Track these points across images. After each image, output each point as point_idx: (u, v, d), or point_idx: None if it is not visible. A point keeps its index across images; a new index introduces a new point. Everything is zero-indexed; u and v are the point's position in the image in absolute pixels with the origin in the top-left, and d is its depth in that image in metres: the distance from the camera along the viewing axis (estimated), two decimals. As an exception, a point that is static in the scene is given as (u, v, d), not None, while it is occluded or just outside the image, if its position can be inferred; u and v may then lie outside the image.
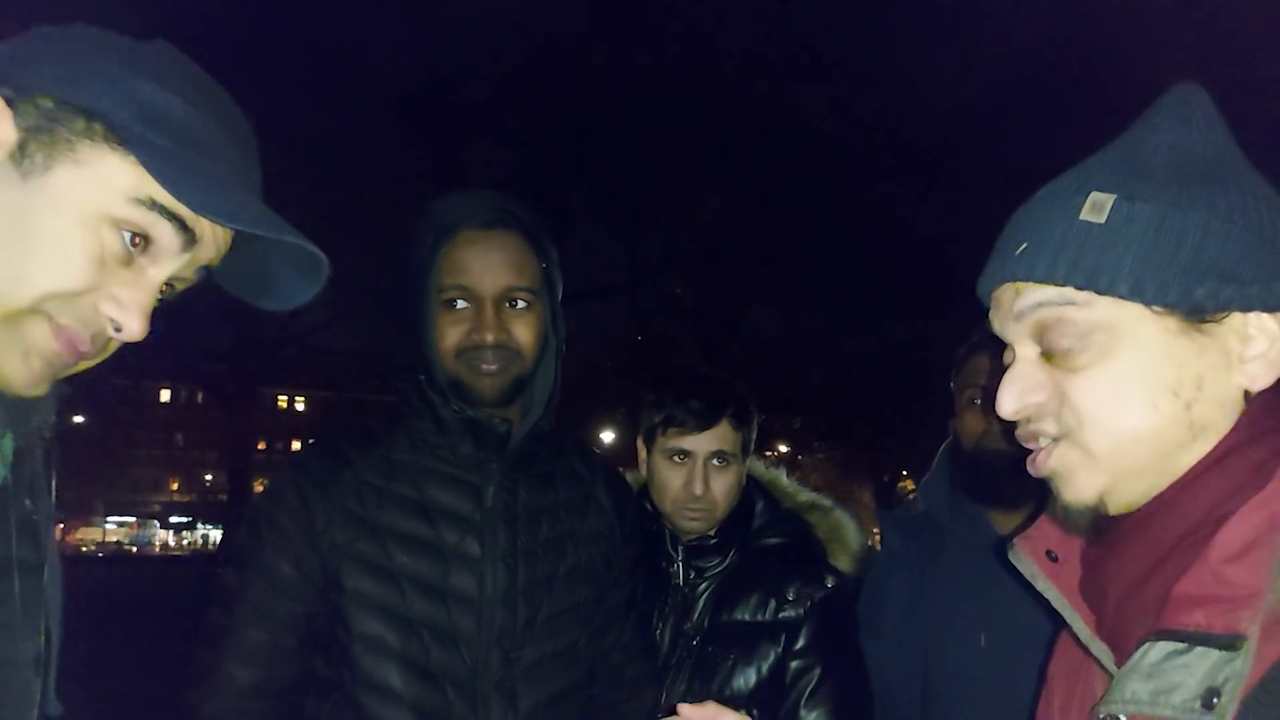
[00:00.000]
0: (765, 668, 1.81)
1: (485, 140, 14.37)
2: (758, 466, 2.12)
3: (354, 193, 13.87)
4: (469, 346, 1.55)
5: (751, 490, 2.00)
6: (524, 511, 1.61)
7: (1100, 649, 0.91)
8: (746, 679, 1.81)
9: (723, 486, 1.88)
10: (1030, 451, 0.94)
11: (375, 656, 1.51)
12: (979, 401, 1.96)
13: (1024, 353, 0.92)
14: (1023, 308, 0.90)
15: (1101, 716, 0.81)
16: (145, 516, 57.50)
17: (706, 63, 13.60)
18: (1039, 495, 1.92)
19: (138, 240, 0.88)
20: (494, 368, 1.55)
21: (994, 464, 1.91)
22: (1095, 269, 0.85)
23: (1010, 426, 1.88)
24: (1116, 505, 0.89)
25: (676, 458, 1.88)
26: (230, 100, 0.97)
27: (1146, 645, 0.80)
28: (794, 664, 1.81)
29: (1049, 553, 0.97)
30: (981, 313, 2.10)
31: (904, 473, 21.04)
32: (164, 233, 0.89)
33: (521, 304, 1.57)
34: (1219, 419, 0.86)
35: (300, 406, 54.46)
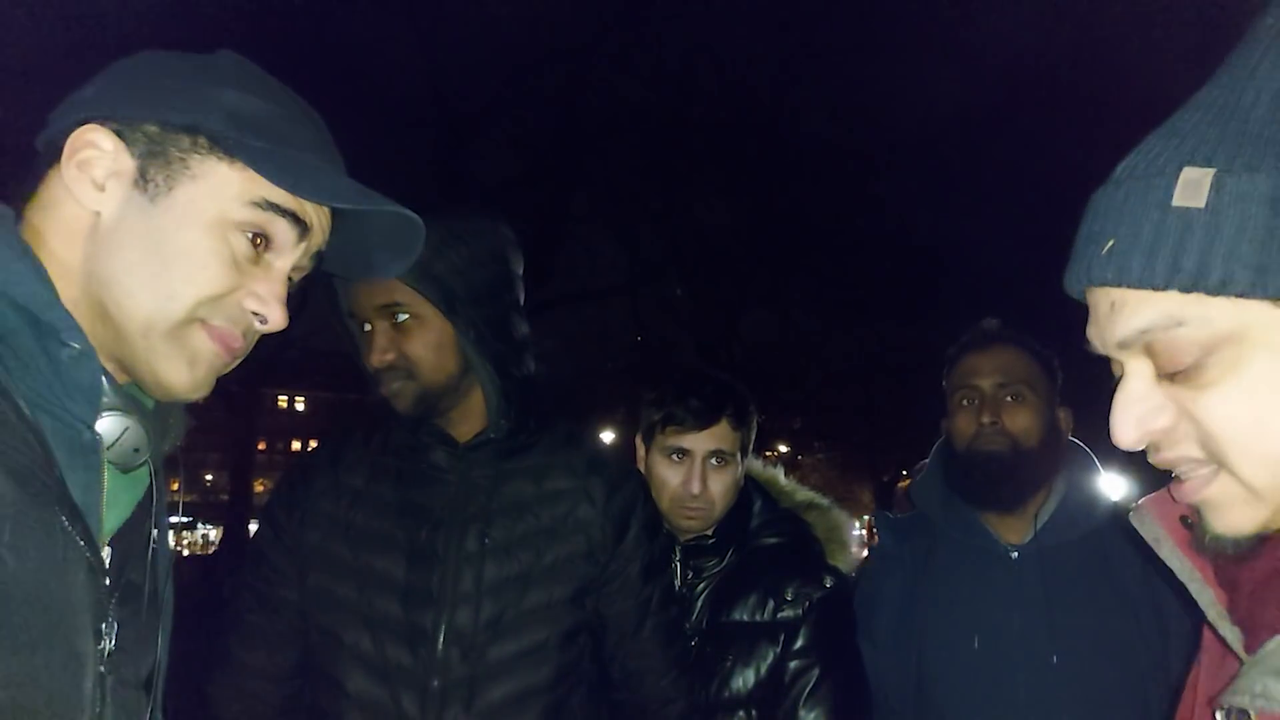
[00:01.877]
0: (764, 668, 1.82)
1: (487, 144, 14.38)
2: (755, 466, 2.13)
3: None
4: (374, 369, 1.54)
5: (749, 490, 2.01)
6: (499, 509, 1.59)
7: (1230, 631, 0.80)
8: (745, 679, 1.81)
9: (720, 486, 1.89)
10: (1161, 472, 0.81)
11: (330, 651, 1.55)
12: (971, 402, 1.95)
13: (1135, 368, 0.78)
14: (1125, 337, 0.76)
15: (1226, 707, 0.72)
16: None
17: (707, 67, 13.62)
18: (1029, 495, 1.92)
19: (259, 240, 0.95)
20: (393, 387, 1.53)
21: (987, 465, 1.90)
22: (1202, 267, 0.70)
23: (996, 426, 1.88)
24: (1277, 526, 0.76)
25: (675, 456, 1.89)
26: (294, 93, 1.04)
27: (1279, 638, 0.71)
28: (792, 664, 1.81)
29: (1184, 519, 0.83)
30: (975, 313, 2.09)
31: (904, 473, 20.99)
32: (280, 228, 0.96)
33: (402, 317, 1.52)
34: None
35: (300, 407, 54.44)
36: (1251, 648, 0.75)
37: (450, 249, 1.52)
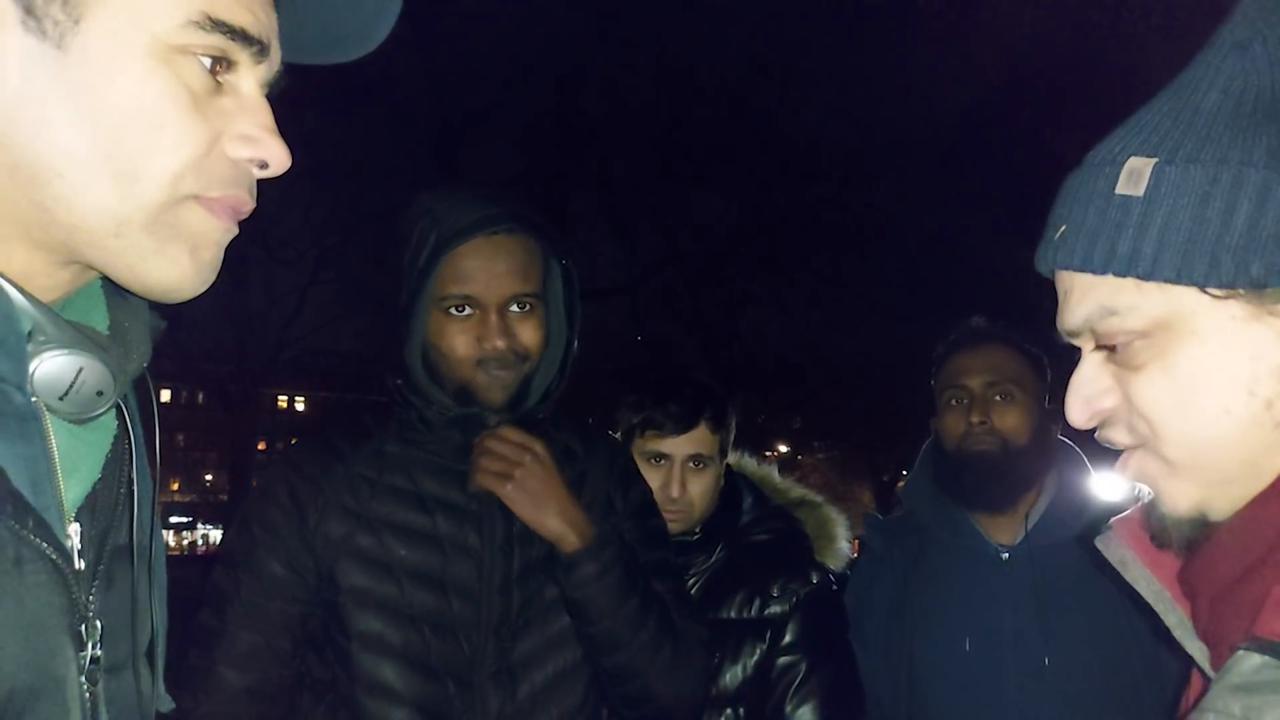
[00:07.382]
0: (751, 664, 1.82)
1: (486, 142, 14.38)
2: (749, 464, 2.13)
3: (355, 195, 13.88)
4: (483, 357, 1.51)
5: (739, 487, 2.00)
6: None
7: (1196, 648, 0.80)
8: (733, 676, 1.81)
9: (699, 488, 1.89)
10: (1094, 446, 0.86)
11: (373, 655, 1.48)
12: (959, 402, 1.94)
13: (1088, 352, 0.82)
14: (1073, 325, 0.81)
15: None
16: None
17: (706, 65, 13.62)
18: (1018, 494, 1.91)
19: (218, 64, 0.70)
20: (508, 375, 1.52)
21: (976, 465, 1.89)
22: (1134, 253, 0.74)
23: (985, 426, 1.87)
24: (1219, 514, 0.77)
25: (654, 460, 1.89)
26: None
27: (1239, 653, 0.69)
28: (780, 660, 1.81)
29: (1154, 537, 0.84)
30: (977, 311, 2.09)
31: (904, 473, 20.97)
32: (236, 51, 0.72)
33: (526, 307, 1.53)
34: None
35: (300, 407, 54.39)
36: (1216, 664, 0.74)
37: (564, 242, 1.60)
